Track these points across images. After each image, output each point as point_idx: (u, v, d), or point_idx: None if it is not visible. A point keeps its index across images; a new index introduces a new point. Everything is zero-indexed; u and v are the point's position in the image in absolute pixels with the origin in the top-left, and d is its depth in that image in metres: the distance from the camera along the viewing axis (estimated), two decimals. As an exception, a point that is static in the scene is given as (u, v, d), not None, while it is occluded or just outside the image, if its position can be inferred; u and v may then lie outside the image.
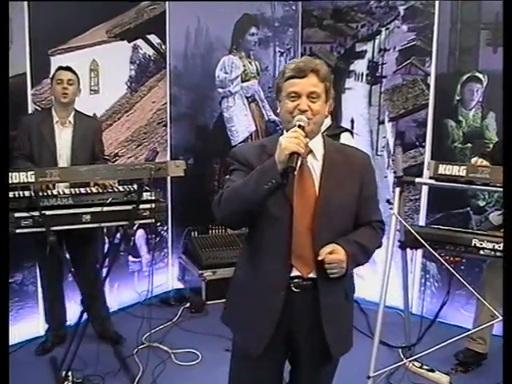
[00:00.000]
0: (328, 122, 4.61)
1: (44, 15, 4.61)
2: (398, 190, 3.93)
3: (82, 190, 3.91)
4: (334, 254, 2.37)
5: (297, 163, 2.23)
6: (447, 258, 3.67)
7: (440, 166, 3.64)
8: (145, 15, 5.45)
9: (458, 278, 3.58)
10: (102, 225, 3.89)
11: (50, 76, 4.50)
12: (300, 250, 2.44)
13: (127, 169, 3.70)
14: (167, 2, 5.56)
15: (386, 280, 3.82)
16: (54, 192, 3.87)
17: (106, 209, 3.77)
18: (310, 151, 2.46)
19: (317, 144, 2.50)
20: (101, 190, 3.91)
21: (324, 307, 2.48)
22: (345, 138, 4.45)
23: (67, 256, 4.50)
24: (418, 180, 3.89)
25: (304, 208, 2.42)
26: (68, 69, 4.43)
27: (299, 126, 2.30)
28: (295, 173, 2.27)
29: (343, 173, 2.49)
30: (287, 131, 2.34)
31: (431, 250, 3.56)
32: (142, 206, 3.82)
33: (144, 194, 3.84)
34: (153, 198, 3.89)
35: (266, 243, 2.48)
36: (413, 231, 3.62)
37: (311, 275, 2.47)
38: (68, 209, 3.73)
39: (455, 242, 3.61)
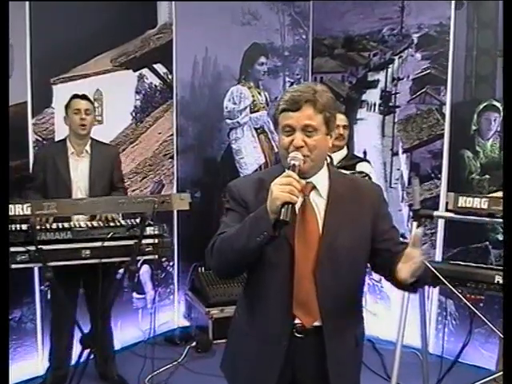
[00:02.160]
0: (344, 151, 4.54)
1: (46, 42, 4.50)
2: (415, 224, 3.75)
3: (82, 224, 3.74)
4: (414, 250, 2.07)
5: (290, 214, 2.00)
6: (468, 295, 3.47)
7: (460, 198, 3.47)
8: (151, 44, 5.33)
9: (479, 316, 3.40)
10: (103, 261, 3.67)
11: (64, 104, 4.34)
12: (303, 298, 2.24)
13: (129, 202, 3.54)
14: (174, 31, 5.46)
15: (403, 319, 3.69)
16: (54, 226, 3.71)
17: (106, 244, 3.60)
18: (314, 187, 2.26)
19: (321, 178, 2.29)
20: (102, 224, 3.74)
21: (331, 357, 2.27)
22: (364, 168, 4.30)
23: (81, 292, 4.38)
24: (436, 213, 3.72)
25: (306, 250, 2.22)
26: (84, 97, 4.32)
27: (293, 166, 2.10)
28: (297, 210, 2.12)
29: (351, 209, 2.28)
30: (287, 169, 2.15)
31: (452, 288, 3.35)
32: (144, 241, 3.65)
33: (147, 228, 3.67)
34: (156, 232, 3.72)
35: (265, 291, 2.29)
36: (432, 268, 3.42)
37: (316, 323, 2.27)
38: (67, 243, 3.57)
39: (476, 279, 3.42)
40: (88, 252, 3.58)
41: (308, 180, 2.22)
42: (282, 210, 1.98)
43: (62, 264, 3.55)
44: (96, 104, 4.86)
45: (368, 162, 4.68)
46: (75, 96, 4.30)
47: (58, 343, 4.43)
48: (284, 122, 2.18)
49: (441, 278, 3.35)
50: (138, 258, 3.72)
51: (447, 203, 3.56)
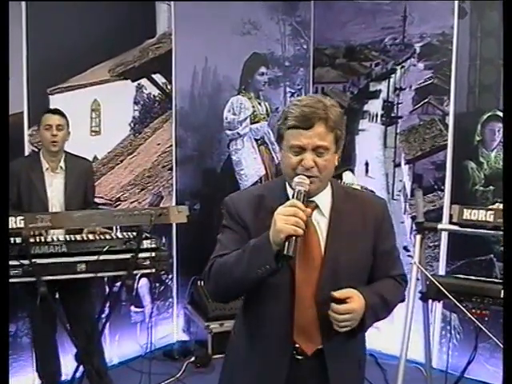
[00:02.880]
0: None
1: (43, 51, 4.43)
2: (418, 237, 3.63)
3: (78, 237, 3.66)
4: (351, 302, 2.02)
5: (295, 248, 1.89)
6: (473, 310, 3.38)
7: (465, 210, 3.39)
8: (150, 54, 5.26)
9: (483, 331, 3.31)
10: (99, 275, 3.62)
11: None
12: (303, 323, 2.13)
13: (125, 214, 3.47)
14: (173, 41, 5.39)
15: (407, 334, 3.54)
16: (48, 239, 3.62)
17: (102, 257, 3.52)
18: (316, 206, 2.14)
19: (324, 197, 2.16)
20: (98, 237, 3.66)
21: (333, 381, 2.16)
22: (348, 177, 4.23)
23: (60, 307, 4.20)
24: (440, 226, 3.64)
25: (307, 273, 2.10)
26: (56, 112, 4.19)
27: (299, 193, 1.98)
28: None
29: (354, 225, 2.16)
30: (290, 186, 2.09)
31: (457, 303, 3.26)
32: (141, 255, 3.58)
33: (144, 241, 3.59)
34: (153, 246, 3.65)
35: (264, 315, 2.17)
36: (436, 282, 3.33)
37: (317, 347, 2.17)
38: (61, 257, 3.49)
39: (482, 294, 3.33)
40: (83, 266, 3.51)
41: (311, 199, 2.09)
42: (286, 243, 1.87)
43: (57, 278, 3.48)
44: (93, 114, 4.84)
45: (351, 170, 4.59)
46: (47, 111, 4.20)
47: (44, 357, 4.34)
48: (293, 141, 2.02)
49: (446, 293, 3.26)
50: (135, 272, 3.62)
51: (452, 216, 3.48)
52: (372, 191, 4.23)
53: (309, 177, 2.01)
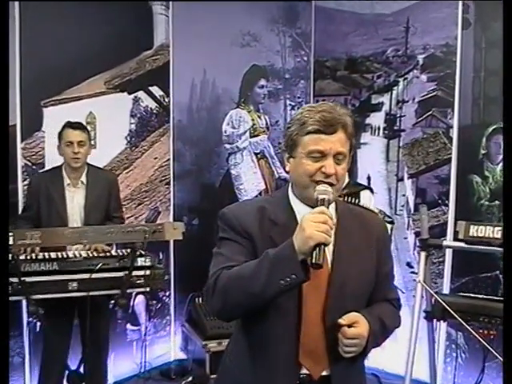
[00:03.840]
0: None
1: (37, 63, 4.34)
2: (423, 254, 3.53)
3: (70, 254, 3.56)
4: (357, 327, 1.94)
5: (324, 258, 1.79)
6: (480, 330, 3.28)
7: (471, 227, 3.29)
8: (147, 66, 5.18)
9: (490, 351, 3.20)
10: (91, 294, 3.50)
11: (57, 132, 4.16)
12: (310, 345, 2.01)
13: (118, 231, 3.37)
14: (171, 53, 5.30)
15: (411, 355, 3.44)
16: (40, 256, 3.52)
17: (95, 276, 3.42)
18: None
19: (331, 211, 2.02)
20: (91, 254, 3.55)
21: None
22: (365, 197, 4.13)
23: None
24: (446, 243, 3.54)
25: (315, 292, 2.00)
26: (78, 127, 4.12)
27: (322, 201, 1.88)
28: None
29: (359, 244, 2.08)
30: (298, 198, 2.02)
31: (465, 324, 3.14)
32: (135, 273, 3.49)
33: (138, 259, 3.48)
34: (148, 263, 3.53)
35: (268, 339, 2.03)
36: (443, 302, 3.22)
37: (324, 373, 2.04)
38: (53, 275, 3.39)
39: (490, 314, 3.23)
40: (75, 284, 3.43)
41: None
42: (315, 251, 1.77)
43: (48, 297, 3.36)
44: (89, 127, 4.69)
45: (371, 189, 4.48)
46: (68, 125, 4.11)
47: (50, 378, 4.18)
48: (314, 146, 1.93)
49: (453, 313, 3.15)
50: (129, 290, 3.51)
51: (457, 232, 3.38)
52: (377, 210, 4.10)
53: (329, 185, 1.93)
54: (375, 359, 5.35)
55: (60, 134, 4.10)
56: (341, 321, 1.93)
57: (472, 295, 3.48)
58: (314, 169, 1.93)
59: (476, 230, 3.26)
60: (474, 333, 3.18)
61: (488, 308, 3.24)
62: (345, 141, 1.95)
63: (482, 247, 3.30)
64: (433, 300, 3.48)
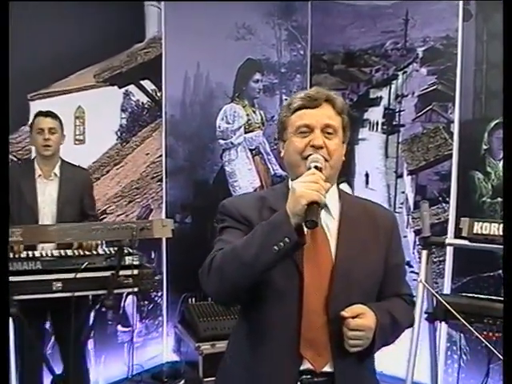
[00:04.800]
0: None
1: (24, 55, 4.19)
2: (424, 252, 3.40)
3: (55, 253, 3.42)
4: (362, 318, 1.87)
5: (318, 216, 1.74)
6: (485, 332, 3.16)
7: (476, 224, 3.17)
8: (138, 59, 5.08)
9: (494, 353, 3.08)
10: (76, 294, 3.34)
11: (29, 123, 4.10)
12: (312, 336, 1.92)
13: (104, 228, 3.22)
14: (163, 46, 5.20)
15: (413, 358, 3.32)
16: (23, 255, 3.38)
17: (80, 275, 3.27)
18: (324, 205, 1.89)
19: (332, 197, 2.02)
20: (77, 253, 3.41)
21: None
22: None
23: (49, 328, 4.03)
24: (448, 241, 3.40)
25: (318, 279, 1.93)
26: (49, 114, 4.02)
27: (316, 168, 1.84)
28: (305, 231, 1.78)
29: (366, 234, 2.02)
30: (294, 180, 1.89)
31: (468, 325, 3.00)
32: (123, 273, 3.34)
33: (126, 258, 3.34)
34: (136, 262, 3.39)
35: (268, 326, 1.95)
36: (445, 303, 3.08)
37: (327, 369, 1.93)
38: (35, 274, 3.24)
39: (495, 315, 3.09)
40: (59, 284, 3.27)
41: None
42: (309, 210, 1.71)
43: (30, 298, 3.22)
44: (77, 122, 4.67)
45: (347, 181, 4.41)
46: (39, 113, 4.03)
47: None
48: (299, 121, 1.95)
49: (456, 314, 3.01)
50: (116, 291, 3.39)
51: (461, 229, 3.25)
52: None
53: None
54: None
55: (31, 124, 4.03)
56: (344, 313, 1.86)
57: (475, 295, 3.36)
58: (303, 144, 1.93)
59: (480, 227, 3.15)
60: (478, 335, 3.06)
61: (492, 309, 3.12)
62: (333, 115, 1.96)
63: (487, 245, 3.19)
64: (434, 300, 3.37)
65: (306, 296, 1.90)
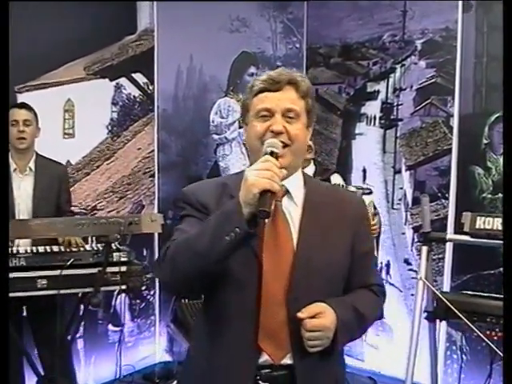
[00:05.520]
0: (312, 167, 4.27)
1: (11, 46, 4.03)
2: (424, 248, 3.32)
3: (41, 249, 3.31)
4: (320, 317, 1.81)
5: (271, 206, 1.68)
6: (488, 332, 3.07)
7: (478, 219, 3.10)
8: (130, 51, 4.98)
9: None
10: (62, 292, 3.24)
11: None
12: (271, 327, 1.86)
13: (90, 223, 3.11)
14: (155, 38, 5.11)
15: (412, 358, 3.24)
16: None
17: (66, 272, 3.17)
18: (286, 192, 1.94)
19: (295, 183, 1.97)
20: (63, 249, 3.30)
21: None
22: (335, 180, 4.13)
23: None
24: (450, 236, 3.30)
25: (277, 268, 1.87)
26: (23, 106, 3.95)
27: (271, 154, 1.77)
28: (266, 220, 1.78)
29: (331, 222, 1.96)
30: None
31: (471, 324, 2.90)
32: (110, 269, 3.23)
33: (114, 254, 3.22)
34: (125, 259, 3.28)
35: (226, 316, 1.91)
36: (446, 301, 2.98)
37: (286, 361, 1.88)
38: (19, 271, 3.14)
39: (497, 314, 2.99)
40: (44, 282, 3.17)
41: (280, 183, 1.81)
42: (261, 199, 1.66)
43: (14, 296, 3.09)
44: (67, 115, 4.56)
45: (338, 172, 4.41)
46: (13, 106, 3.94)
47: None
48: (260, 104, 1.88)
49: (458, 313, 2.93)
50: (103, 288, 3.27)
51: (463, 224, 3.18)
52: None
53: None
54: (371, 362, 5.22)
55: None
56: (300, 314, 1.80)
57: (477, 293, 3.30)
58: (263, 129, 1.87)
59: (483, 222, 3.08)
60: (481, 334, 2.99)
61: (495, 307, 3.02)
62: (296, 98, 1.90)
63: (490, 241, 3.11)
64: (434, 299, 3.30)
65: (265, 285, 1.85)
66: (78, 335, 3.98)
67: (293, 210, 1.93)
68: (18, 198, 3.82)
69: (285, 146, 1.84)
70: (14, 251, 3.29)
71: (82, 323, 4.25)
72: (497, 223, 3.01)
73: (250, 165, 1.87)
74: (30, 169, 3.91)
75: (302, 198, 1.96)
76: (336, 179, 4.13)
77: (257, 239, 1.80)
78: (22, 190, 3.85)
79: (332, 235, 1.94)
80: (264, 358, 1.86)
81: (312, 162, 4.31)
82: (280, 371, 1.87)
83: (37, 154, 3.98)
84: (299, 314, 1.79)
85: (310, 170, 4.30)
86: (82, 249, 3.38)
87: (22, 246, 3.55)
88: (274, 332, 1.86)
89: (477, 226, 3.07)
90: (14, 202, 3.78)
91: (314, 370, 1.89)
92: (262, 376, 1.86)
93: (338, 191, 2.16)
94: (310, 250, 1.89)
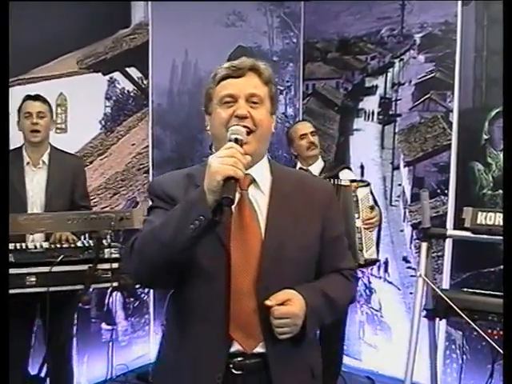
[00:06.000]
0: (321, 163, 4.29)
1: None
2: (424, 245, 3.25)
3: (30, 245, 3.27)
4: (288, 305, 1.83)
5: (235, 193, 1.69)
6: (489, 330, 3.04)
7: (479, 214, 3.03)
8: (124, 45, 4.91)
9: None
10: (51, 289, 3.16)
11: (17, 108, 3.91)
12: (242, 317, 1.87)
13: (80, 218, 3.03)
14: (150, 32, 5.04)
15: (412, 358, 3.17)
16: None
17: (55, 269, 3.09)
18: (253, 181, 1.95)
19: (261, 171, 1.99)
20: (53, 246, 3.22)
21: None
22: (344, 176, 4.11)
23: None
24: (451, 232, 3.23)
25: (245, 258, 1.88)
26: (38, 98, 3.88)
27: (236, 141, 1.78)
28: (233, 208, 1.80)
29: (299, 208, 1.98)
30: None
31: (472, 323, 2.83)
32: (101, 266, 3.16)
33: (105, 250, 3.15)
34: (116, 255, 3.21)
35: (195, 308, 1.92)
36: (447, 299, 2.91)
37: (259, 349, 1.89)
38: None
39: (499, 312, 2.88)
40: (33, 279, 3.09)
41: (246, 171, 1.81)
42: (225, 186, 1.67)
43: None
44: (59, 110, 4.49)
45: (349, 168, 4.44)
46: (27, 97, 3.88)
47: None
48: (223, 91, 1.91)
49: (459, 312, 2.88)
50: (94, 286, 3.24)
51: (463, 220, 3.12)
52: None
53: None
54: (369, 361, 5.16)
55: (19, 108, 3.88)
56: (267, 302, 1.82)
57: (478, 291, 3.23)
58: (228, 115, 1.88)
59: (485, 218, 3.01)
60: (483, 333, 2.93)
61: (497, 305, 2.92)
62: (259, 84, 1.94)
63: (491, 237, 3.04)
64: (434, 297, 3.23)
65: (233, 275, 1.86)
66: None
67: (260, 198, 1.94)
68: (31, 191, 3.77)
69: (249, 132, 1.85)
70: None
71: (75, 322, 4.12)
72: (499, 219, 2.95)
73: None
74: (44, 162, 3.86)
75: (269, 186, 1.97)
76: (346, 175, 4.11)
77: (224, 230, 1.82)
78: (35, 183, 3.79)
79: (301, 221, 1.96)
80: (236, 347, 1.87)
81: (320, 158, 4.31)
82: (253, 359, 1.88)
83: (52, 146, 3.94)
84: (267, 302, 1.81)
85: (318, 165, 4.30)
86: (73, 245, 3.31)
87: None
88: (245, 322, 1.87)
89: (478, 222, 3.01)
90: (27, 196, 3.73)
91: (287, 356, 1.90)
92: (234, 364, 1.87)
93: (305, 177, 2.18)
94: (278, 237, 1.90)
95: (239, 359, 1.88)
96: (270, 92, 1.97)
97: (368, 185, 4.00)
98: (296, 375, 1.95)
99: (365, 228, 3.88)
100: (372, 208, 3.95)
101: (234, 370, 1.87)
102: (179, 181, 1.99)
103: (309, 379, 2.02)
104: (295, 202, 1.97)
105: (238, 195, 1.79)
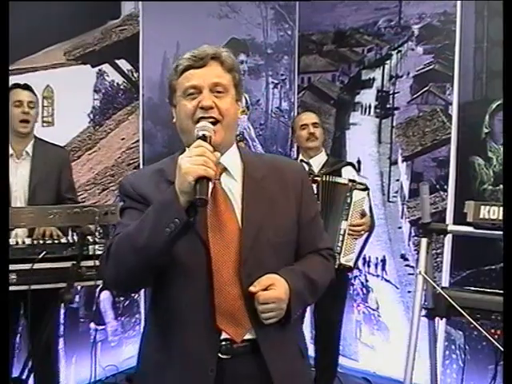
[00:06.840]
0: (323, 156, 4.24)
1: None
2: (424, 241, 3.15)
3: (12, 242, 3.17)
4: (272, 289, 1.86)
5: (208, 192, 1.70)
6: (492, 330, 2.93)
7: (482, 208, 2.91)
8: (113, 36, 4.79)
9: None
10: (33, 287, 3.04)
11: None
12: (228, 307, 1.89)
13: (63, 213, 2.89)
14: (141, 23, 4.93)
15: (411, 359, 3.07)
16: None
17: (37, 266, 2.97)
18: (224, 169, 1.96)
19: (232, 158, 2.01)
20: (34, 242, 3.10)
21: (275, 373, 1.91)
22: (347, 173, 4.07)
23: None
24: (452, 227, 3.12)
25: (225, 248, 1.89)
26: (27, 87, 3.79)
27: (204, 138, 1.79)
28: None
29: (273, 192, 2.00)
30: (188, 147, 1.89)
31: (474, 322, 2.73)
32: (85, 263, 3.04)
33: (90, 246, 3.03)
34: (101, 252, 3.05)
35: (179, 305, 1.90)
36: (448, 297, 2.80)
37: (248, 336, 1.91)
38: None
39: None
40: (14, 276, 2.96)
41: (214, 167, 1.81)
42: (197, 186, 1.67)
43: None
44: (46, 103, 4.37)
45: (353, 165, 4.38)
46: (15, 85, 3.77)
47: None
48: (187, 82, 1.91)
49: (461, 311, 2.78)
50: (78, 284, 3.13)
51: (465, 214, 3.01)
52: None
53: (212, 123, 1.86)
54: (366, 362, 5.07)
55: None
56: (252, 288, 1.85)
57: (480, 289, 3.13)
58: (193, 106, 1.89)
59: (488, 212, 2.89)
60: (486, 334, 2.82)
61: (499, 304, 2.79)
62: (222, 72, 1.94)
63: (494, 232, 2.93)
64: (434, 295, 3.15)
65: (215, 268, 1.87)
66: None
67: (233, 186, 1.95)
68: (15, 184, 3.67)
69: (216, 122, 1.86)
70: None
71: (62, 322, 4.11)
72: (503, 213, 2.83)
73: (186, 146, 1.92)
74: (27, 153, 3.76)
75: (241, 173, 1.98)
76: (348, 173, 4.08)
77: (200, 222, 1.82)
78: (19, 176, 3.70)
79: (276, 205, 1.98)
80: (226, 337, 1.89)
81: (323, 151, 4.27)
82: (243, 346, 1.90)
83: (36, 137, 3.84)
84: (251, 288, 1.83)
85: (320, 159, 4.24)
86: (56, 241, 3.21)
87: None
88: (232, 311, 1.88)
89: (481, 216, 2.90)
90: (10, 189, 3.62)
91: (276, 339, 1.93)
92: (222, 348, 1.88)
93: (276, 160, 2.16)
94: (255, 223, 1.91)
95: (227, 343, 1.88)
96: (233, 79, 1.97)
97: (366, 189, 3.92)
98: (288, 356, 1.98)
99: (349, 234, 3.80)
100: (363, 215, 3.91)
101: (223, 356, 1.88)
102: (150, 177, 1.98)
103: (300, 359, 2.06)
104: (269, 187, 1.98)
105: (211, 185, 1.76)
